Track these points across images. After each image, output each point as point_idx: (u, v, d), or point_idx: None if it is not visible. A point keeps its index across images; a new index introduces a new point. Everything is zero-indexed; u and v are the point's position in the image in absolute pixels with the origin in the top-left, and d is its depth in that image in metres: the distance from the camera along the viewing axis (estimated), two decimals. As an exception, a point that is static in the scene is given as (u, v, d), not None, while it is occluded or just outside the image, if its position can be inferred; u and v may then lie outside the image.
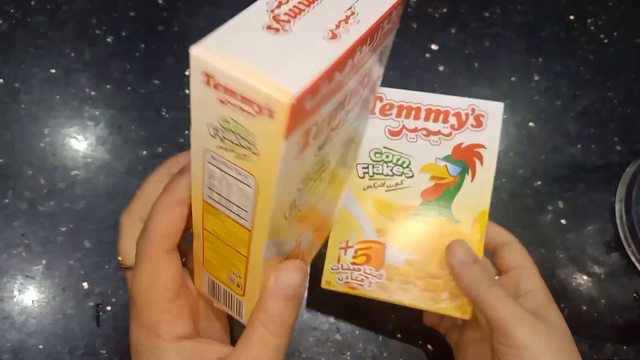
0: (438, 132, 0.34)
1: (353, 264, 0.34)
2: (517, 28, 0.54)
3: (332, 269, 0.35)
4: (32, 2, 0.49)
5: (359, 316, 0.42)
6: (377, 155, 0.35)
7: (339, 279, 0.34)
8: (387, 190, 0.34)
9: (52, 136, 0.46)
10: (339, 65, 0.19)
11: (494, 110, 0.33)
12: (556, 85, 0.52)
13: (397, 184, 0.34)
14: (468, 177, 0.33)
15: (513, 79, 0.52)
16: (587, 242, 0.47)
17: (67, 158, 0.45)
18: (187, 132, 0.47)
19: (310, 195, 0.25)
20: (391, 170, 0.34)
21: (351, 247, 0.34)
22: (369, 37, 0.21)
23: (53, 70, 0.48)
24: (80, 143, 0.46)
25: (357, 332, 0.41)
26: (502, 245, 0.36)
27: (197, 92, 0.18)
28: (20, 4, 0.49)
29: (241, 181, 0.20)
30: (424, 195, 0.34)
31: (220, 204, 0.22)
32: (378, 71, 0.26)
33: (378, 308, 0.38)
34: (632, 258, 0.46)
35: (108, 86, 0.48)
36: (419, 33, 0.52)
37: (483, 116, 0.33)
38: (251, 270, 0.25)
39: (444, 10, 0.53)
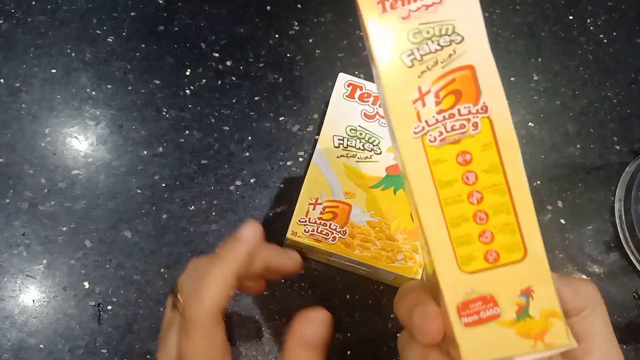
0: None
1: (320, 218, 0.40)
2: (516, 28, 0.54)
3: (299, 221, 0.39)
4: (33, 2, 0.50)
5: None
6: (352, 131, 0.42)
7: (305, 231, 0.39)
8: (357, 161, 0.42)
9: (52, 136, 0.46)
10: None
11: None
12: (555, 85, 0.52)
13: (366, 157, 0.42)
14: None
15: (512, 78, 0.52)
16: (587, 241, 0.47)
17: (67, 157, 0.45)
18: (187, 132, 0.47)
19: None
20: (363, 146, 0.42)
21: (320, 203, 0.40)
22: None
23: (54, 70, 0.48)
24: (80, 143, 0.46)
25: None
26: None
27: None
28: (20, 3, 0.49)
29: None
30: (388, 170, 0.42)
31: None
32: None
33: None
34: (632, 257, 0.46)
35: (109, 86, 0.48)
36: (419, 33, 0.52)
37: None
38: None
39: (444, 10, 0.53)
